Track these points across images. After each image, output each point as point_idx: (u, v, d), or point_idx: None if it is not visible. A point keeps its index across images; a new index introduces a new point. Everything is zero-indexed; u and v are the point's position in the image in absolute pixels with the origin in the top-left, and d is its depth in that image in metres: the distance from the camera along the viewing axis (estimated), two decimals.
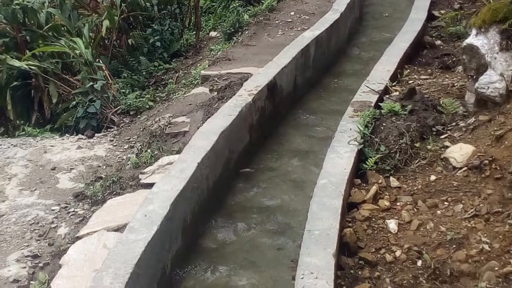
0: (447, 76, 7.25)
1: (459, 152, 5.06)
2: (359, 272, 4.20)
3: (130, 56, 10.21)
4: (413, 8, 9.84)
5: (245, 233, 5.33)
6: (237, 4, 11.41)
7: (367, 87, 6.62)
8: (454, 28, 8.85)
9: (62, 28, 9.28)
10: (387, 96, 6.42)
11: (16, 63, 8.24)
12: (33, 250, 4.86)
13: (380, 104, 6.06)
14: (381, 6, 11.74)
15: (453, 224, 4.40)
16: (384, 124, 5.67)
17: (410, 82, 7.11)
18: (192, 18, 11.87)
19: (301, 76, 8.08)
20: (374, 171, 5.25)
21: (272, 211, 5.59)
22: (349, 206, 4.88)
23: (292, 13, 10.36)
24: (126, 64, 10.09)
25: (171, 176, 5.13)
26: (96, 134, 7.48)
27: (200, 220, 5.35)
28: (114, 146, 6.94)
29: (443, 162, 5.13)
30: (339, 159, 5.23)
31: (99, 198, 5.56)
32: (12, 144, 6.92)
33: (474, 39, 5.67)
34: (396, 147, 5.38)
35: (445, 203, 4.67)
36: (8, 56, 8.28)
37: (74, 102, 8.23)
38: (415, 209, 4.73)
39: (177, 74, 9.72)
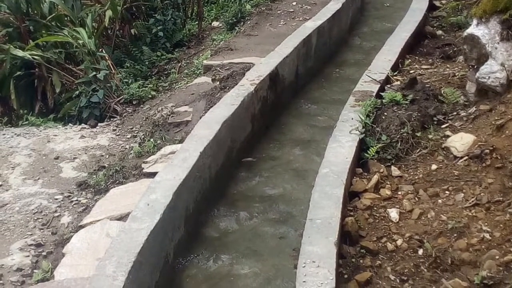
0: (448, 66, 7.26)
1: (460, 142, 5.07)
2: (361, 261, 4.22)
3: (133, 46, 10.23)
4: None
5: (247, 222, 5.35)
6: None
7: (369, 76, 6.63)
8: (455, 18, 8.87)
9: (65, 18, 9.31)
10: (388, 85, 6.44)
11: (20, 53, 8.27)
12: (37, 239, 4.89)
13: (382, 93, 6.07)
14: None
15: (454, 213, 4.42)
16: (385, 113, 5.68)
17: (412, 72, 7.13)
18: (195, 8, 11.89)
19: (303, 66, 8.08)
20: (375, 160, 5.27)
21: (274, 200, 5.60)
22: (350, 195, 4.90)
23: (294, 3, 10.39)
24: (129, 54, 10.12)
25: (174, 165, 5.14)
26: (99, 124, 7.52)
27: (203, 209, 5.37)
28: (117, 135, 6.95)
29: (444, 152, 5.15)
30: (340, 148, 5.24)
31: (102, 187, 5.59)
32: (15, 134, 6.94)
33: (475, 29, 5.67)
34: (398, 137, 5.39)
35: (446, 192, 4.69)
36: (11, 46, 8.32)
37: (77, 92, 8.26)
38: (416, 198, 4.75)
39: (179, 64, 9.74)
